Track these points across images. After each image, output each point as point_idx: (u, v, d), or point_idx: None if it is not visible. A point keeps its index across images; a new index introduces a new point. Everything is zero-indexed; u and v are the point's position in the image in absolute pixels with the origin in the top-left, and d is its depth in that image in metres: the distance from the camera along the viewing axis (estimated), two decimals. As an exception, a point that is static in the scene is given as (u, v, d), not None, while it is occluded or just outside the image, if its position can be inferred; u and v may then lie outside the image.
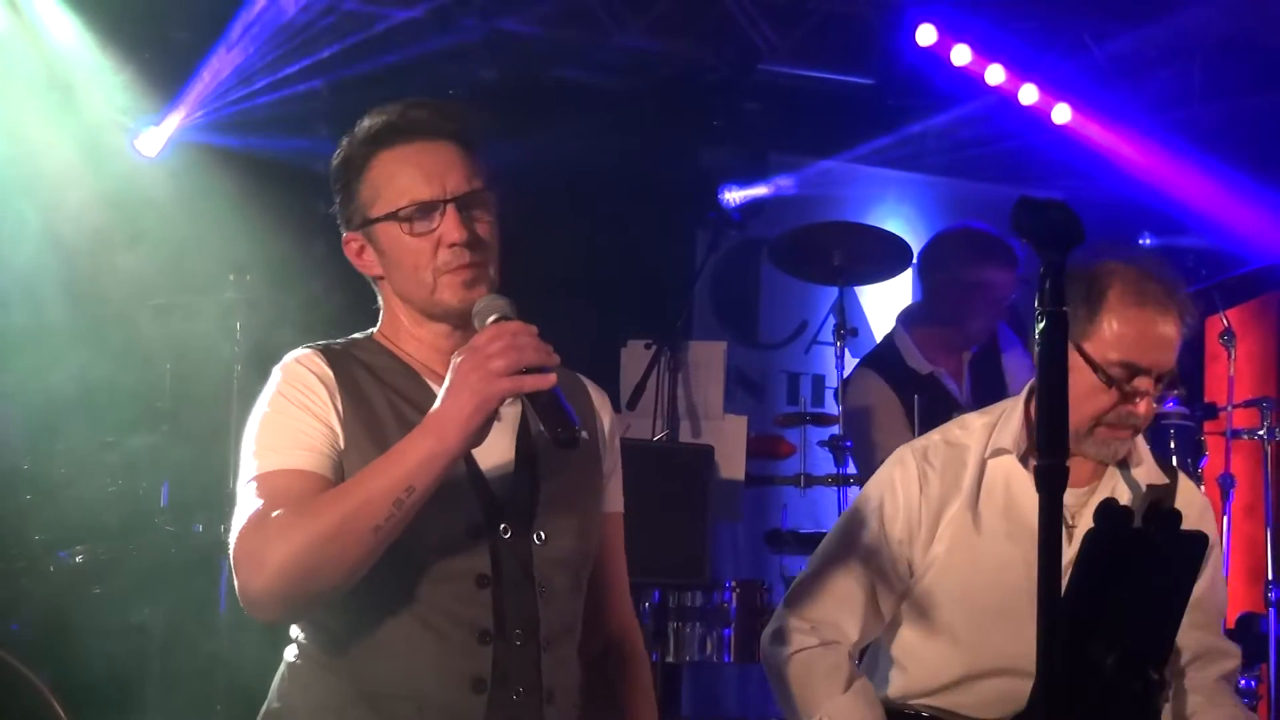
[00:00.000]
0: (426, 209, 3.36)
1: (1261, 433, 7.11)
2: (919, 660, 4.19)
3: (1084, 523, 3.78)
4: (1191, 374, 9.37)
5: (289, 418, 3.29)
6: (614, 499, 3.69)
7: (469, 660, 3.28)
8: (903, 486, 4.15)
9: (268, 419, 3.31)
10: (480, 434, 3.11)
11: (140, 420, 6.94)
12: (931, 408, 6.57)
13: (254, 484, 3.21)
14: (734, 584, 6.44)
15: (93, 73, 7.71)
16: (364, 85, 8.05)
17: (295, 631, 3.42)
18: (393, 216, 3.37)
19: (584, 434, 3.50)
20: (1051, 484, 2.55)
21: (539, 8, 8.42)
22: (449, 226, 3.36)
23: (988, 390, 6.86)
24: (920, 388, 6.79)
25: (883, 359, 7.20)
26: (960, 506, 4.11)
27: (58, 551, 6.53)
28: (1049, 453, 2.57)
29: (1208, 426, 7.21)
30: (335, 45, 8.04)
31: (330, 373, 3.36)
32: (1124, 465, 4.13)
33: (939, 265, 7.06)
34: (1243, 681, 6.73)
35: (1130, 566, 2.64)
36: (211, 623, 6.67)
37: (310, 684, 3.35)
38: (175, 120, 7.89)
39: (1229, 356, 7.03)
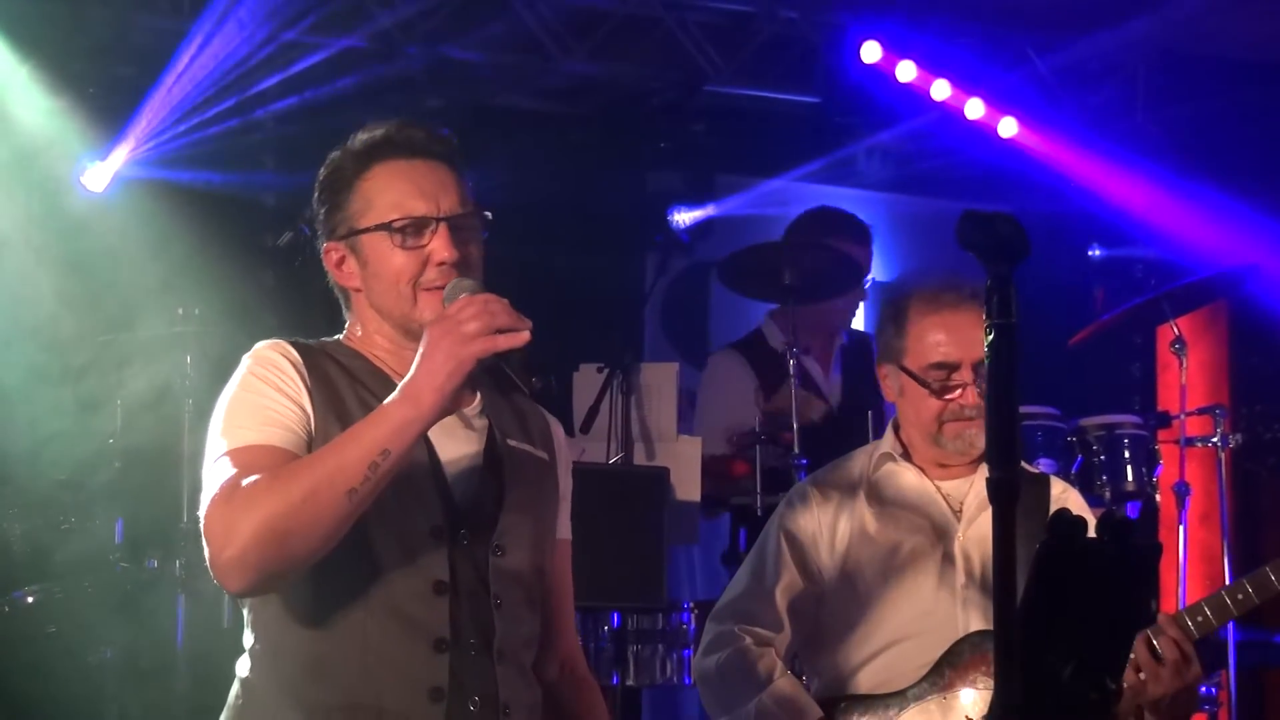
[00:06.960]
0: (419, 225, 3.36)
1: (1215, 440, 7.13)
2: (833, 653, 4.56)
3: (971, 506, 4.50)
4: (1144, 383, 9.42)
5: (260, 396, 3.27)
6: (564, 525, 3.70)
7: (427, 668, 3.27)
8: (804, 508, 4.62)
9: (237, 398, 3.29)
10: (454, 399, 3.12)
11: (92, 457, 6.90)
12: (787, 385, 6.71)
13: (225, 459, 3.18)
14: (692, 605, 6.42)
15: (37, 109, 7.67)
16: (309, 117, 8.04)
17: (248, 640, 3.38)
18: (384, 228, 3.36)
19: (543, 453, 3.59)
20: (1003, 496, 2.53)
21: (482, 35, 8.40)
22: (440, 244, 3.36)
23: (859, 383, 7.06)
24: (780, 367, 6.86)
25: (746, 341, 7.51)
26: (854, 513, 4.58)
27: (11, 592, 6.50)
28: (1000, 465, 2.55)
29: (1161, 435, 7.23)
30: (279, 77, 8.02)
31: (300, 359, 3.35)
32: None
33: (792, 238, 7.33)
34: (1203, 689, 6.72)
35: (1085, 577, 2.64)
36: (169, 659, 6.64)
37: (265, 703, 3.32)
38: (121, 155, 7.84)
39: (1181, 365, 7.06)
